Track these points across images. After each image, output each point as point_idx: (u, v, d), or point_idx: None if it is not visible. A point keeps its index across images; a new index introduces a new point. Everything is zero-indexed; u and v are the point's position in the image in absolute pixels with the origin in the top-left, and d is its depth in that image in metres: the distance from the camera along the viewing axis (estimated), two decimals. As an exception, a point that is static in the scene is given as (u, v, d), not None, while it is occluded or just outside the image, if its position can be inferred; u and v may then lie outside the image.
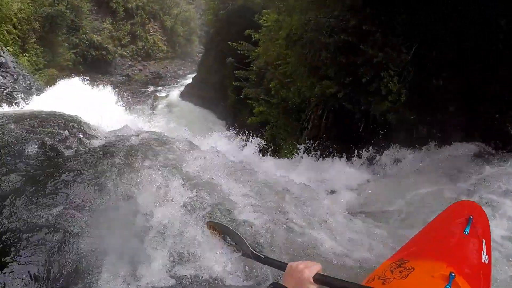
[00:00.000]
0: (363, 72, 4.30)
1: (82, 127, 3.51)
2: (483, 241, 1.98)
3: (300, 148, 6.06)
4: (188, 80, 19.85)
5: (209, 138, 5.87)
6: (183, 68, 25.07)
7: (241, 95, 10.47)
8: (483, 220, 2.22)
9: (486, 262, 1.88)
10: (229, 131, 11.71)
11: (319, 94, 5.26)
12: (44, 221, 2.13)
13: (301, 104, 7.42)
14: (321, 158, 5.46)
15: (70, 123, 3.48)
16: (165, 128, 12.50)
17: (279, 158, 6.63)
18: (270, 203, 2.98)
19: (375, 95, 4.26)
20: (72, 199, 2.37)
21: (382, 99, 4.13)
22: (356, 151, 5.10)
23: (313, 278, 1.29)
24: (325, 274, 1.34)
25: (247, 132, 6.44)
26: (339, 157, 5.27)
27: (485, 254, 1.91)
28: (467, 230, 1.97)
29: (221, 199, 2.81)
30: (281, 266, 1.55)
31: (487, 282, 1.84)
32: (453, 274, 1.52)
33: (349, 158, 5.19)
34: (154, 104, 17.73)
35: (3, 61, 9.50)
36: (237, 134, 6.41)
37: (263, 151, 6.56)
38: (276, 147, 8.06)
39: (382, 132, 4.68)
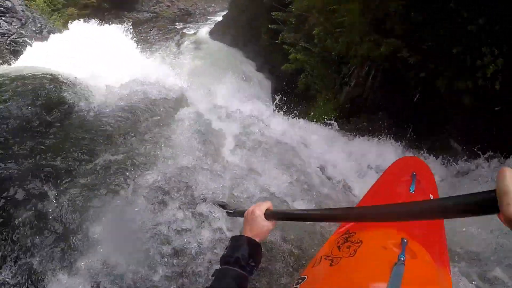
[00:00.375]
0: (446, 39, 3.26)
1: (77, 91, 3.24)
2: (431, 196, 1.91)
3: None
4: (219, 18, 18.66)
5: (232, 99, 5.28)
6: (213, 5, 23.56)
7: (277, 40, 9.46)
8: (427, 174, 2.15)
9: None
10: (260, 72, 11.15)
11: (384, 55, 4.29)
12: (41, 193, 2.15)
13: (345, 56, 6.54)
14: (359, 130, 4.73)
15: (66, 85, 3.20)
16: (191, 65, 12.09)
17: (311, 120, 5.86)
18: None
19: (460, 70, 3.30)
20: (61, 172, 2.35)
21: (467, 78, 3.20)
22: (408, 130, 4.34)
23: (265, 215, 1.34)
24: (275, 209, 1.38)
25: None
26: (386, 135, 4.47)
27: None
28: (412, 188, 1.90)
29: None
30: (242, 213, 1.53)
31: (441, 238, 1.77)
32: (405, 240, 1.42)
33: (397, 136, 4.40)
34: (180, 41, 16.96)
35: (10, 5, 8.89)
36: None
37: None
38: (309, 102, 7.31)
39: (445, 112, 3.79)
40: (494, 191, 0.60)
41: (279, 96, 5.56)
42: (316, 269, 1.53)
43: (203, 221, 2.26)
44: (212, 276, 1.26)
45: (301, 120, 5.39)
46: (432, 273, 1.44)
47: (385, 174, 2.27)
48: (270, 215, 1.35)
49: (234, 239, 1.33)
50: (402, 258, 1.30)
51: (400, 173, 2.12)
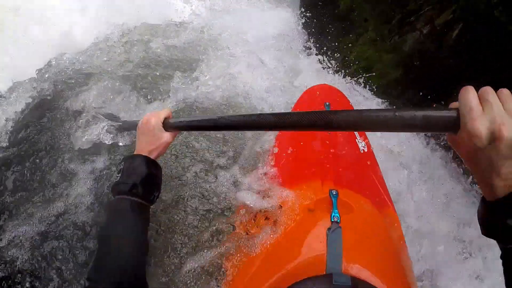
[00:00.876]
0: None
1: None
2: None
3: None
4: None
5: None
6: None
7: None
8: (343, 102, 1.90)
9: (365, 149, 1.61)
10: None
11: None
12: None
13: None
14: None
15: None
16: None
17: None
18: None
19: None
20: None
21: None
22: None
23: (163, 125, 1.19)
24: (176, 118, 1.22)
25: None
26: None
27: (361, 141, 1.62)
28: None
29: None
30: (135, 125, 1.30)
31: (374, 170, 1.58)
32: (334, 192, 1.20)
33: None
34: None
35: None
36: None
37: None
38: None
39: None
40: (456, 109, 0.60)
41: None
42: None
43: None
44: (105, 210, 1.00)
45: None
46: (376, 222, 1.27)
47: (296, 107, 1.94)
48: (169, 124, 1.19)
49: (128, 160, 1.13)
50: (336, 219, 1.10)
51: (312, 105, 1.84)
